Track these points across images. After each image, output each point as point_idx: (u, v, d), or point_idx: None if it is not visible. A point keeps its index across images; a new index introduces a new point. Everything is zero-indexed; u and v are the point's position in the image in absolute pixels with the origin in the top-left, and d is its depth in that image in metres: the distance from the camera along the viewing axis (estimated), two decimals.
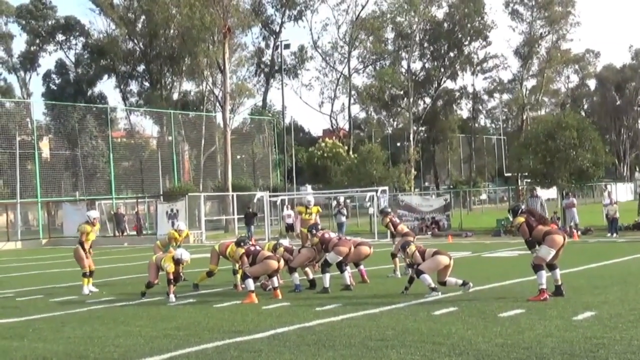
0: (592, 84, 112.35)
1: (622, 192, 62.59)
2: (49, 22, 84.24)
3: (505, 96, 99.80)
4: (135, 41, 79.66)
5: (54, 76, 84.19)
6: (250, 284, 14.15)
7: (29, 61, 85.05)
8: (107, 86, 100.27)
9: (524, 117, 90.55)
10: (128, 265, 25.54)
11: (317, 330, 10.51)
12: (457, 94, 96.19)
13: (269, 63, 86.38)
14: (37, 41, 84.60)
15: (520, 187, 58.78)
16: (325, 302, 13.29)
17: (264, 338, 10.11)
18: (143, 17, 77.19)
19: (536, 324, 10.29)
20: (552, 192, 48.75)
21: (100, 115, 66.02)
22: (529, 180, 47.67)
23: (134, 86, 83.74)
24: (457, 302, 12.69)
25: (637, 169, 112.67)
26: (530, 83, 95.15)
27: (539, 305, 11.90)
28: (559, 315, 10.86)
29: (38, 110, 78.31)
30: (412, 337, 9.70)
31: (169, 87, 79.33)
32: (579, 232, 31.06)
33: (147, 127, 78.41)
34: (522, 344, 8.93)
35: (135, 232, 46.30)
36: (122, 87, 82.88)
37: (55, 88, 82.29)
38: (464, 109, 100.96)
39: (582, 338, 9.15)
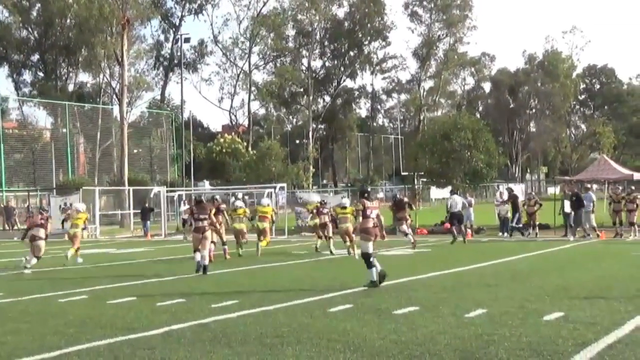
0: (487, 86, 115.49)
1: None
2: None
3: (403, 96, 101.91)
4: (30, 29, 77.60)
5: None
6: None
7: None
8: None
9: (421, 117, 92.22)
10: (18, 260, 24.78)
11: (212, 327, 10.40)
12: (357, 93, 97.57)
13: (168, 56, 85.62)
14: None
15: (416, 186, 59.82)
16: (221, 298, 13.16)
17: (158, 335, 9.94)
18: (38, 4, 75.34)
19: (429, 321, 10.43)
20: (446, 192, 49.75)
21: None
22: (424, 180, 48.43)
23: (27, 76, 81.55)
24: (353, 299, 12.77)
25: (529, 171, 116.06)
26: (428, 84, 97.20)
27: (432, 303, 12.09)
28: (451, 313, 11.04)
29: None
30: (308, 334, 9.69)
31: (64, 78, 77.59)
32: (473, 231, 31.77)
33: (41, 118, 76.47)
34: (416, 341, 9.04)
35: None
36: (14, 76, 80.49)
37: None
38: (362, 108, 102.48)
39: (473, 335, 9.32)
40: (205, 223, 18.69)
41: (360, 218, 14.85)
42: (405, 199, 28.20)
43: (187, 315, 11.42)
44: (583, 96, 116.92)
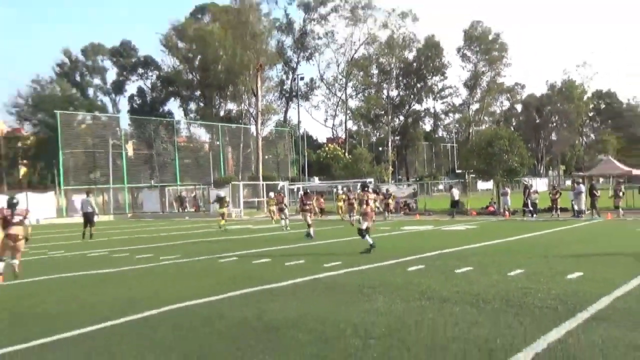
0: (519, 107, 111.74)
1: (540, 184, 62.56)
2: (133, 60, 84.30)
3: (457, 115, 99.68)
4: (193, 74, 79.55)
5: (135, 98, 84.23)
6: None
7: (118, 87, 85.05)
8: (173, 105, 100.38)
9: (470, 130, 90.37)
10: (188, 232, 25.56)
11: (324, 281, 10.46)
12: (422, 113, 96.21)
13: (288, 90, 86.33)
14: (124, 73, 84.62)
15: (467, 180, 58.60)
16: (330, 260, 13.20)
17: (286, 286, 10.06)
18: (199, 56, 77.14)
19: (481, 278, 10.23)
20: (489, 184, 48.64)
21: (168, 126, 65.94)
22: (473, 175, 47.35)
23: (192, 106, 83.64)
24: (425, 262, 12.64)
25: (551, 168, 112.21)
26: (475, 106, 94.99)
27: (483, 265, 11.84)
28: (497, 272, 10.80)
29: (124, 122, 78.48)
30: (393, 286, 9.65)
31: (217, 107, 79.17)
32: (510, 213, 30.97)
33: (202, 135, 78.31)
34: (473, 292, 8.89)
35: (194, 209, 46.31)
36: (184, 106, 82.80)
37: (137, 107, 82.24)
38: (427, 124, 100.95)
39: (515, 288, 9.10)
40: (309, 207, 20.67)
41: (364, 205, 15.00)
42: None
43: (306, 272, 11.50)
44: (592, 113, 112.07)
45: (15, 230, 11.64)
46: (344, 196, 32.07)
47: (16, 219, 11.64)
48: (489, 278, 10.17)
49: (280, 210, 26.07)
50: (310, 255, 14.53)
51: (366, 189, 15.50)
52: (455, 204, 32.92)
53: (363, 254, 14.26)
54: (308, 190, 23.20)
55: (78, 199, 27.87)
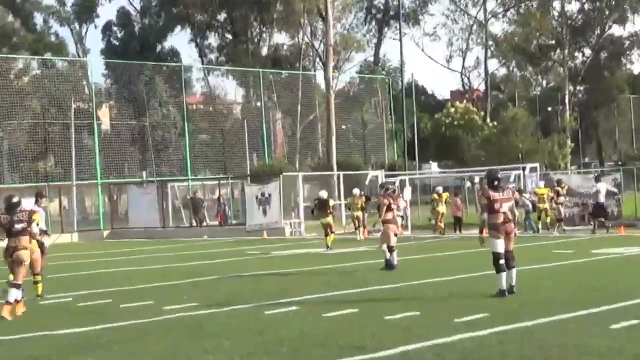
0: None
1: None
2: None
3: None
4: None
5: (115, 29, 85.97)
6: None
7: (85, 11, 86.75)
8: (180, 40, 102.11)
9: None
10: (211, 263, 25.79)
11: (459, 348, 10.32)
12: (627, 43, 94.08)
13: (382, 8, 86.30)
14: None
15: None
16: (465, 311, 13.03)
17: (392, 356, 9.96)
18: None
19: None
20: None
21: (172, 77, 66.64)
22: None
23: (212, 39, 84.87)
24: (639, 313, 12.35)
25: None
26: None
27: None
28: None
29: (97, 70, 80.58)
30: (585, 356, 9.46)
31: (256, 40, 79.83)
32: None
33: (230, 90, 79.24)
34: None
35: (217, 221, 46.51)
36: (198, 40, 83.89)
37: (118, 43, 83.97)
38: (635, 63, 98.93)
39: None
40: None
41: (485, 213, 15.04)
42: None
43: (424, 332, 11.38)
44: None
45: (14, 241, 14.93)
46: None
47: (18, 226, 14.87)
48: None
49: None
50: (427, 302, 14.46)
51: (495, 182, 15.15)
52: (600, 209, 32.42)
53: (496, 296, 14.45)
54: (389, 186, 23.79)
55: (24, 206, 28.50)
